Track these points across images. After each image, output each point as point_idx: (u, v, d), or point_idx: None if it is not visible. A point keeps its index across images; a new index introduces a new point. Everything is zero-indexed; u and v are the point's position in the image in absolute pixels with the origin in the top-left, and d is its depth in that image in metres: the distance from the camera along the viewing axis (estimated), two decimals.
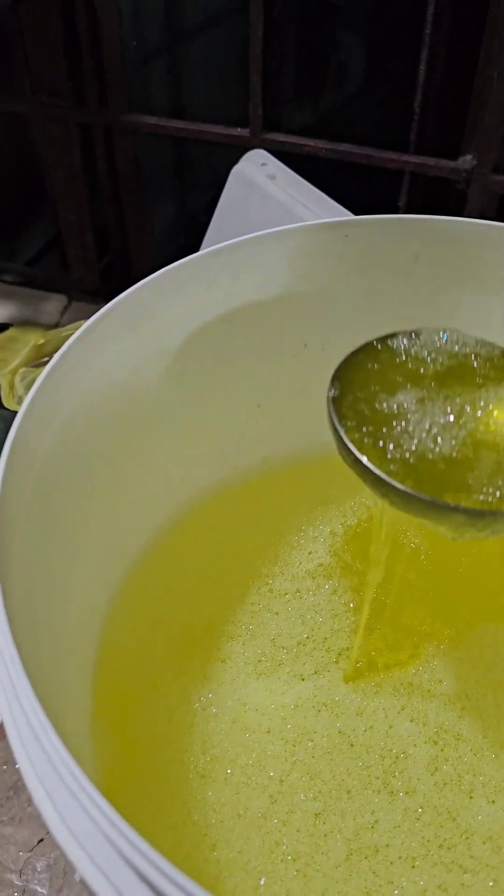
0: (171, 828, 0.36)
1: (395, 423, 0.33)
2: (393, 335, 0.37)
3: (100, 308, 0.37)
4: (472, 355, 0.36)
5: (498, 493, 0.31)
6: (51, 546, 0.34)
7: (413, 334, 0.37)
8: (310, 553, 0.47)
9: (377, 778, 0.37)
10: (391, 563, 0.46)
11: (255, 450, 0.49)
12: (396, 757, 0.38)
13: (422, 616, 0.44)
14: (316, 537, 0.47)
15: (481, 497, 0.31)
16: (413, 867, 0.35)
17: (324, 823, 0.36)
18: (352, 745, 0.39)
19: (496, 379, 0.35)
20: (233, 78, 0.71)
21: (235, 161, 0.65)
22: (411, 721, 0.40)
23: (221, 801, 0.37)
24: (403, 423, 0.33)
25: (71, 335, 0.35)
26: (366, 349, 0.36)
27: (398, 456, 0.32)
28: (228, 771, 0.38)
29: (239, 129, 0.69)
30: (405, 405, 0.34)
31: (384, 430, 0.33)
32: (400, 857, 0.35)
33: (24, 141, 0.80)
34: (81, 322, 0.39)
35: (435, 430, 0.33)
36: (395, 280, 0.44)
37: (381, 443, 0.32)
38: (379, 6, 0.66)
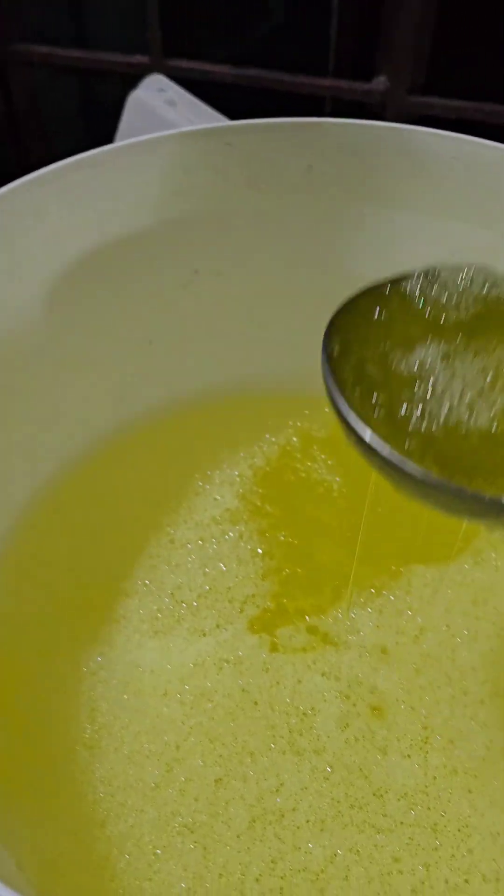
0: (63, 809, 0.33)
1: (414, 390, 0.26)
2: (404, 276, 0.29)
3: None
4: None
5: None
6: None
7: (427, 273, 0.29)
8: (216, 499, 0.43)
9: (282, 737, 0.34)
10: (300, 502, 0.43)
11: (152, 392, 0.44)
12: (304, 714, 0.35)
13: (340, 557, 0.41)
14: (223, 482, 0.44)
15: None
16: (322, 830, 0.32)
17: (224, 790, 0.33)
18: (255, 704, 0.35)
19: None
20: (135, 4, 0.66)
21: None
22: (322, 675, 0.36)
23: (112, 774, 0.33)
24: (423, 390, 0.26)
25: None
26: (368, 294, 0.29)
27: (418, 429, 0.25)
28: (118, 740, 0.34)
29: (138, 56, 0.64)
30: (426, 365, 0.26)
31: (398, 398, 0.26)
32: (307, 821, 0.32)
33: None
34: None
35: (467, 398, 0.26)
36: (287, 196, 0.40)
37: (394, 414, 0.25)
38: None
